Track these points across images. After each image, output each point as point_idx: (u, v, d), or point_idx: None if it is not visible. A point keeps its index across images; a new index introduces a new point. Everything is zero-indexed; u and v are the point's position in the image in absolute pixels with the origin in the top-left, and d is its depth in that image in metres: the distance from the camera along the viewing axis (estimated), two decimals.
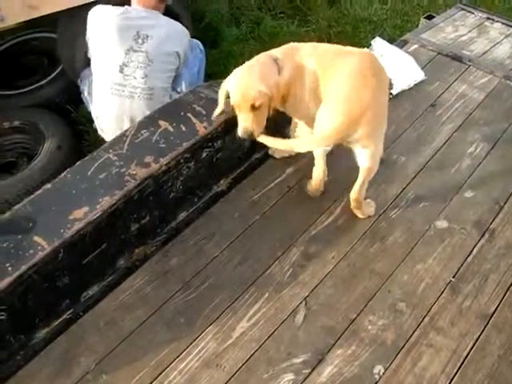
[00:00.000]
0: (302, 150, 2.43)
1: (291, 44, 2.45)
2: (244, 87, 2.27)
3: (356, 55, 2.38)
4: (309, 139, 2.41)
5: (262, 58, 2.38)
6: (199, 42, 3.77)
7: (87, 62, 3.40)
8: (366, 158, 2.37)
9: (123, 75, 3.18)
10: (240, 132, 2.31)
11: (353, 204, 2.58)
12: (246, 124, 2.28)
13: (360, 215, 2.60)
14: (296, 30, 4.90)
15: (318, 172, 2.61)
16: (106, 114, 3.30)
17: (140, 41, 3.16)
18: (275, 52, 2.39)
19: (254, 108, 2.25)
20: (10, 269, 2.00)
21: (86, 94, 3.55)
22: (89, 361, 2.13)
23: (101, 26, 3.17)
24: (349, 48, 2.47)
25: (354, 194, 2.53)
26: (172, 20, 3.35)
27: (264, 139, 2.33)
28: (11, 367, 2.10)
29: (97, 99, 3.32)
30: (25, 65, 4.12)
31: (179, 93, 3.37)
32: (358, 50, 2.49)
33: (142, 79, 3.20)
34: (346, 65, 2.31)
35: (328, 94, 2.30)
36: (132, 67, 3.18)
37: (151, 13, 3.26)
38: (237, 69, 2.36)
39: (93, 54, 3.24)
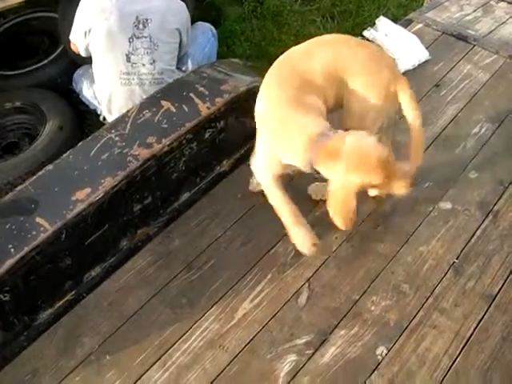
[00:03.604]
0: None
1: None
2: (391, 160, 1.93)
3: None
4: None
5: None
6: (212, 27, 3.71)
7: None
8: None
9: (131, 64, 3.11)
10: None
11: None
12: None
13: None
14: (299, 9, 4.84)
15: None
16: (117, 105, 3.24)
17: (141, 26, 3.07)
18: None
19: None
20: (12, 250, 2.00)
21: (84, 91, 3.50)
22: (92, 341, 2.14)
23: (96, 20, 3.04)
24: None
25: None
26: None
27: None
28: (15, 348, 2.12)
29: (105, 92, 3.26)
30: (26, 45, 4.09)
31: (185, 72, 3.33)
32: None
33: (151, 65, 3.14)
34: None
35: None
36: (139, 55, 3.10)
37: None
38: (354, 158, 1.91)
39: (94, 49, 3.13)
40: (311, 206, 2.57)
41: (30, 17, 4.09)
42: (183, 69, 3.40)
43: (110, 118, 3.32)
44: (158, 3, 3.18)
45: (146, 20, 3.07)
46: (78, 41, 3.17)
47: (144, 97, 3.01)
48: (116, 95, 3.20)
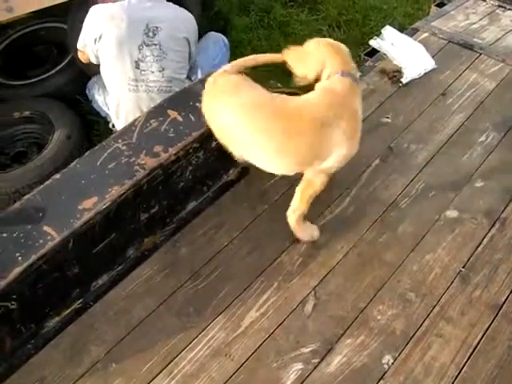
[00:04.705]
0: None
1: None
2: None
3: None
4: None
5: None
6: (224, 37, 3.73)
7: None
8: None
9: (139, 71, 3.13)
10: None
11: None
12: None
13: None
14: (306, 19, 4.86)
15: None
16: (125, 111, 3.26)
17: (151, 34, 3.10)
18: None
19: None
20: (19, 258, 2.01)
21: (96, 96, 3.54)
22: (99, 350, 2.15)
23: (107, 26, 3.08)
24: None
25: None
26: (176, 6, 3.29)
27: None
28: (22, 356, 2.12)
29: (113, 98, 3.29)
30: (34, 55, 4.12)
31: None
32: None
33: (160, 72, 3.16)
34: None
35: None
36: (148, 62, 3.13)
37: (155, 1, 3.23)
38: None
39: (104, 55, 3.15)
40: (316, 215, 2.57)
41: (38, 27, 4.11)
42: (193, 78, 3.42)
43: (117, 124, 3.35)
44: (167, 12, 3.21)
45: (156, 28, 3.11)
46: (87, 48, 3.19)
47: (151, 104, 3.03)
48: (124, 101, 3.22)
